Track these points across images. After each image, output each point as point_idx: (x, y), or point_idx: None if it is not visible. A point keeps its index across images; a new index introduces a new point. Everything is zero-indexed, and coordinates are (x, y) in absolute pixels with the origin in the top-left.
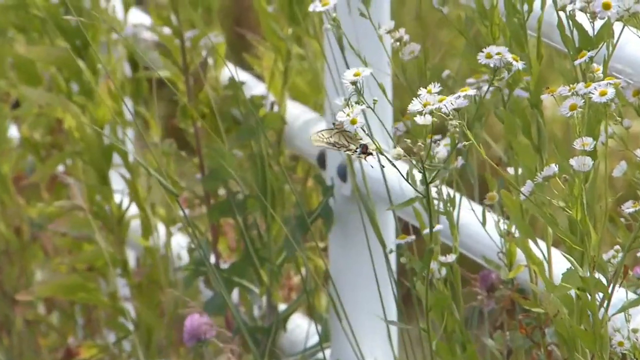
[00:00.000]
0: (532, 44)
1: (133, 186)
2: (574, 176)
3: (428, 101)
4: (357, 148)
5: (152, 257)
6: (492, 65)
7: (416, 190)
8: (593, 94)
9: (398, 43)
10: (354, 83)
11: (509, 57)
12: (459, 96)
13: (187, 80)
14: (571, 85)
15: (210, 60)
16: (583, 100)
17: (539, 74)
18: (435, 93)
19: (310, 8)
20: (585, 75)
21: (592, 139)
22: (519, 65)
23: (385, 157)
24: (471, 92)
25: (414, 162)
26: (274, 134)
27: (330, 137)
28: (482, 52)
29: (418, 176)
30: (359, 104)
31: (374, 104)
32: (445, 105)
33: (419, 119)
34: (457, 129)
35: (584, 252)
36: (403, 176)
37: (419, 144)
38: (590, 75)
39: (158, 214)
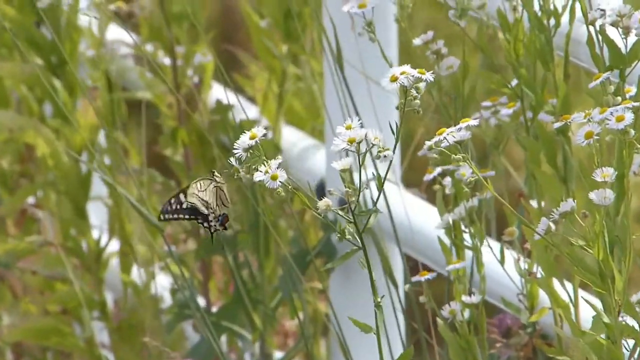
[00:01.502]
0: (557, 63)
1: (118, 219)
2: (595, 211)
3: (352, 137)
4: (218, 216)
5: (138, 297)
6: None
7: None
8: (609, 120)
9: (435, 56)
10: (249, 148)
11: (415, 72)
12: (460, 128)
13: (178, 101)
14: (586, 112)
15: (196, 80)
16: (600, 128)
17: (566, 96)
18: (357, 127)
19: (345, 8)
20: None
21: (613, 169)
22: (428, 77)
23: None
24: (473, 122)
25: (339, 212)
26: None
27: (205, 190)
28: (385, 77)
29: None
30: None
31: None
32: (446, 138)
33: (337, 165)
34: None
35: (609, 295)
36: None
37: (348, 190)
38: (606, 98)
39: (138, 251)
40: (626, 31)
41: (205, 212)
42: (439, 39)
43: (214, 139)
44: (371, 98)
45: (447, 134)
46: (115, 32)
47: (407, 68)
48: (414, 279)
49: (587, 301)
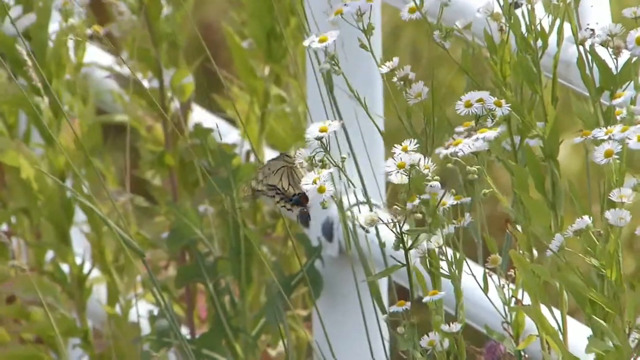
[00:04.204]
0: (546, 84)
1: (98, 246)
2: (610, 231)
3: (403, 162)
4: (294, 195)
5: (118, 325)
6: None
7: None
8: (630, 139)
9: (402, 82)
10: (319, 139)
11: (491, 102)
12: (477, 138)
13: (165, 124)
14: (608, 128)
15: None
16: (620, 146)
17: (554, 119)
18: (412, 151)
19: (306, 43)
20: (609, 119)
21: (631, 190)
22: (502, 110)
23: (379, 218)
24: (491, 134)
25: (389, 227)
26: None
27: (273, 173)
28: (461, 100)
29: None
30: (323, 163)
31: (342, 161)
32: (462, 149)
33: (394, 178)
34: (475, 176)
35: (617, 318)
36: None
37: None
38: (627, 117)
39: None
40: (617, 51)
41: (267, 196)
42: (427, 60)
43: (195, 162)
44: (358, 121)
45: (464, 145)
46: (95, 55)
47: (484, 94)
48: (392, 308)
49: (597, 320)
